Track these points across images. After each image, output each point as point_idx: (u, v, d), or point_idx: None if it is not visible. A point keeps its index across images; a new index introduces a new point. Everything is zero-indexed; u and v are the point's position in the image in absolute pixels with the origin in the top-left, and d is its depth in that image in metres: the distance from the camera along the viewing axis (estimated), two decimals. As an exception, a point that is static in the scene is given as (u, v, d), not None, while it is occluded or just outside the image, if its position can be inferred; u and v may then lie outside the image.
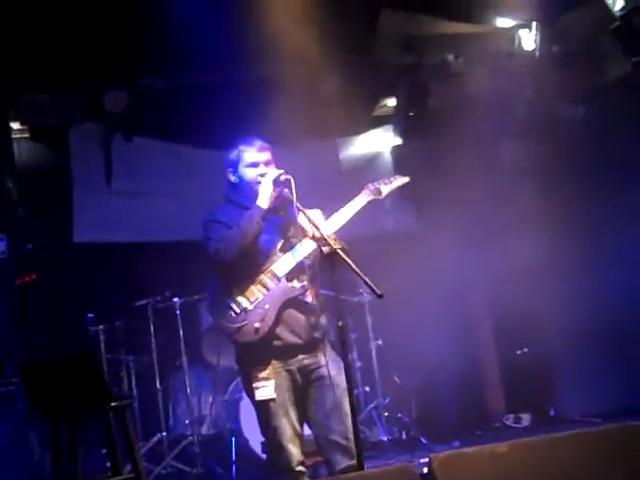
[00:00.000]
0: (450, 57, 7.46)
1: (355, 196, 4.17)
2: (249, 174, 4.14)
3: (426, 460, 3.14)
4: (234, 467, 6.18)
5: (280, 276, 3.99)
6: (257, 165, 4.14)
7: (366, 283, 3.65)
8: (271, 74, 7.21)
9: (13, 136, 7.19)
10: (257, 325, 3.93)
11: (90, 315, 6.81)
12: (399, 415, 6.80)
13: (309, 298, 4.06)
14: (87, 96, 7.27)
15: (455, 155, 7.48)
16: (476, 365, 7.60)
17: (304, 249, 4.02)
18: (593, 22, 7.09)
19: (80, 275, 7.14)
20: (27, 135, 7.44)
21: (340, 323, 3.76)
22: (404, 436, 6.71)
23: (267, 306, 3.95)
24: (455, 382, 7.30)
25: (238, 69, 7.19)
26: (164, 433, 6.57)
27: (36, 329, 6.58)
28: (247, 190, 4.15)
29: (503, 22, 7.41)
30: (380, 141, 8.29)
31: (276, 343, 3.97)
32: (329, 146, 8.09)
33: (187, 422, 6.75)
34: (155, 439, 6.61)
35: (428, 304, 7.05)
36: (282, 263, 4.01)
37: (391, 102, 8.04)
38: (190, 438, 6.56)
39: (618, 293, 7.00)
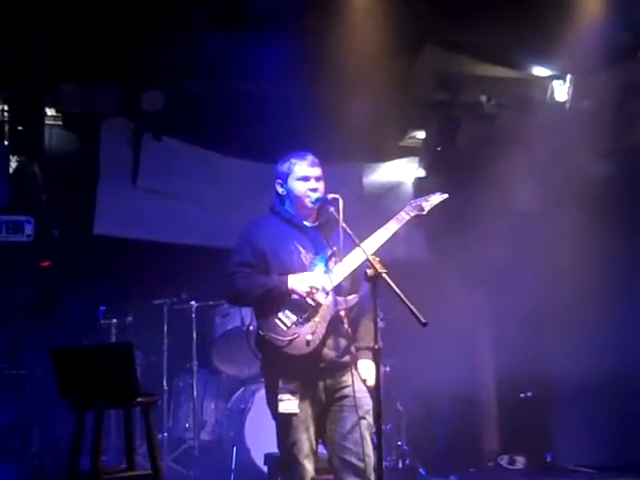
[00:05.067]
0: (483, 98, 7.62)
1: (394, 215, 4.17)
2: (298, 187, 4.15)
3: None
4: (232, 475, 6.15)
5: (328, 290, 3.97)
6: (308, 179, 4.15)
7: (410, 310, 3.62)
8: (307, 92, 7.29)
9: (46, 122, 7.20)
10: (309, 337, 3.92)
11: (103, 308, 6.85)
12: (399, 443, 6.82)
13: (345, 321, 4.05)
14: (123, 92, 7.31)
15: (474, 194, 7.60)
16: (474, 402, 7.63)
17: (344, 269, 4.03)
18: (627, 84, 7.27)
19: (96, 267, 7.17)
20: (60, 122, 7.48)
21: (377, 346, 3.75)
22: (401, 464, 6.73)
23: (317, 319, 3.95)
24: (452, 416, 7.35)
25: (273, 82, 7.24)
26: (165, 434, 6.56)
27: (50, 316, 6.59)
28: (294, 203, 4.18)
29: (539, 71, 7.56)
30: (404, 171, 8.34)
31: (321, 358, 3.96)
32: (354, 170, 8.14)
33: (187, 425, 6.74)
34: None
35: (435, 336, 7.08)
36: (327, 279, 3.98)
37: (420, 135, 8.13)
38: (191, 442, 6.55)
39: (622, 347, 7.11)
